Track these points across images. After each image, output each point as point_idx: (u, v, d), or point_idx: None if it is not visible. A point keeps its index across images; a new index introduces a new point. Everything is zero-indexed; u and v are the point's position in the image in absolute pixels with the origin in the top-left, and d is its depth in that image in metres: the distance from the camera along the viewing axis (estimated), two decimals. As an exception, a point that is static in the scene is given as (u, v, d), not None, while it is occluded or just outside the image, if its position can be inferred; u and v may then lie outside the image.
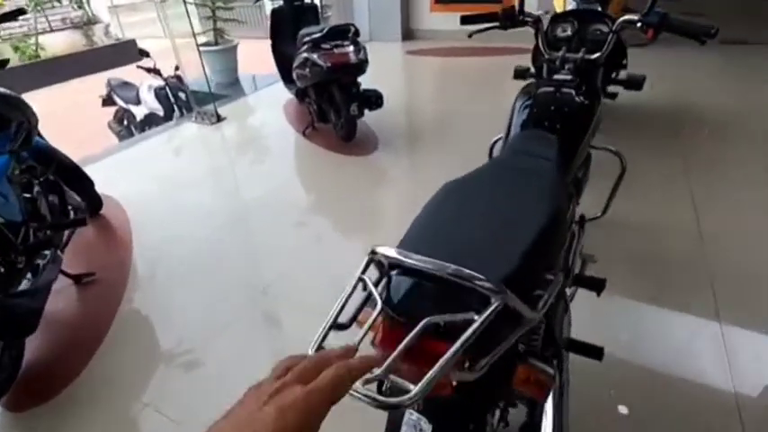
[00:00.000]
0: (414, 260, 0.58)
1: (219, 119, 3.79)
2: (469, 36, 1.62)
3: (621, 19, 1.30)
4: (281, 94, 4.16)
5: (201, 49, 4.04)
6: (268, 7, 5.11)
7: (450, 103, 3.96)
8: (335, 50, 2.74)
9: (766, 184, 2.33)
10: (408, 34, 6.20)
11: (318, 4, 3.85)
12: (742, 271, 1.78)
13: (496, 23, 1.47)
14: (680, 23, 1.18)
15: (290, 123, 3.82)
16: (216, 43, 5.34)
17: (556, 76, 1.34)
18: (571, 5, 2.12)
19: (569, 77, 1.32)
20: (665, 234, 2.02)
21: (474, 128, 3.18)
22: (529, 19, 1.43)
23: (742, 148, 2.73)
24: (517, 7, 1.42)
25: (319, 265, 2.05)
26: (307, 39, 2.92)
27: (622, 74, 2.44)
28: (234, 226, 2.44)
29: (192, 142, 3.64)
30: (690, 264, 1.85)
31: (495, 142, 1.67)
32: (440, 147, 3.13)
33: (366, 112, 3.06)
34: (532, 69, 1.80)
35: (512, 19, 1.43)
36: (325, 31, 2.76)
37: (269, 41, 3.79)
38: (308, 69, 2.93)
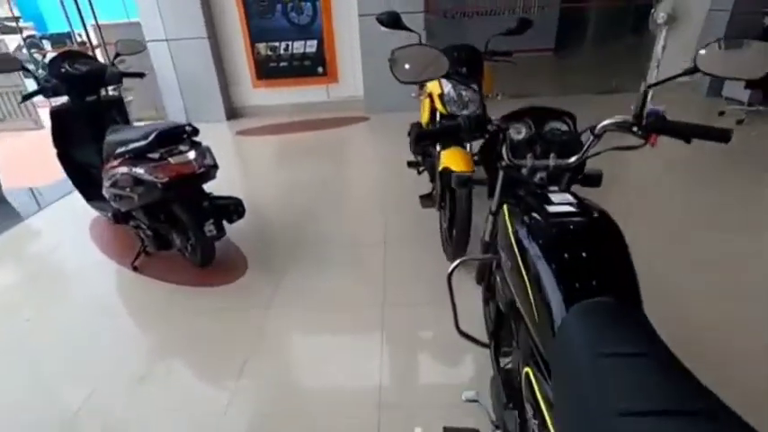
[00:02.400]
0: None
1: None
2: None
3: (607, 122, 1.07)
4: (84, 210, 3.01)
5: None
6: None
7: (312, 189, 3.49)
8: (171, 160, 2.00)
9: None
10: (233, 112, 5.59)
11: (121, 95, 2.94)
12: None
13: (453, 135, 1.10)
14: (688, 127, 0.99)
15: (104, 253, 2.75)
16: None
17: (553, 202, 0.98)
18: (447, 88, 1.93)
19: (570, 202, 0.98)
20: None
21: (353, 221, 2.83)
22: (495, 127, 1.10)
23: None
24: (483, 114, 1.08)
25: None
26: (123, 150, 2.09)
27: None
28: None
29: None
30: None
31: (452, 271, 1.27)
32: (324, 251, 2.59)
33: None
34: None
35: (480, 129, 1.08)
36: (151, 139, 1.98)
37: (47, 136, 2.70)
38: (131, 189, 2.08)
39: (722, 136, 0.96)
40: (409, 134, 3.21)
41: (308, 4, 4.94)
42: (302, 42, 5.16)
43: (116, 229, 2.89)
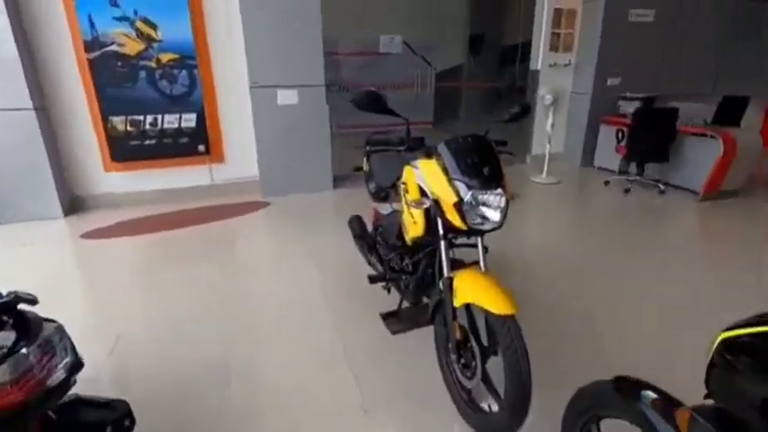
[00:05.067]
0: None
1: None
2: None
3: None
4: None
5: None
6: None
7: (209, 320, 2.38)
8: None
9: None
10: (76, 204, 4.14)
11: None
12: None
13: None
14: None
15: None
16: None
17: None
18: (466, 194, 1.37)
19: None
20: None
21: (296, 370, 1.93)
22: None
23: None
24: None
25: None
26: None
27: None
28: None
29: None
30: None
31: None
32: None
33: None
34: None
35: None
36: None
37: None
38: None
39: None
40: (357, 238, 2.53)
41: (183, 72, 4.06)
42: (176, 116, 4.17)
43: None
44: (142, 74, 3.95)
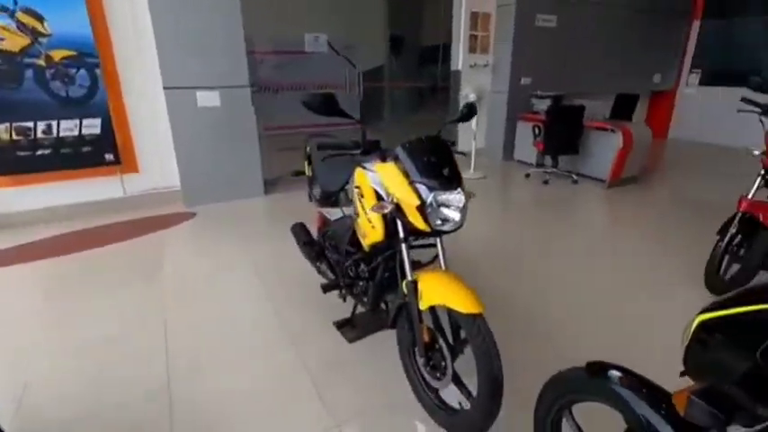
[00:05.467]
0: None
1: None
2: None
3: None
4: None
5: None
6: None
7: (137, 367, 2.14)
8: None
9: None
10: (-53, 230, 3.45)
11: None
12: None
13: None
14: None
15: None
16: None
17: None
18: (428, 195, 1.38)
19: None
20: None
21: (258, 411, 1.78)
22: None
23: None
24: None
25: None
26: None
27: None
28: None
29: None
30: None
31: None
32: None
33: None
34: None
35: None
36: None
37: None
38: None
39: None
40: (304, 245, 2.41)
41: (83, 72, 3.57)
42: (75, 122, 3.66)
43: None
44: (29, 73, 3.40)
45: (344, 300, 2.14)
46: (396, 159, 1.46)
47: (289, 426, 1.63)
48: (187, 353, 2.04)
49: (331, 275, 2.18)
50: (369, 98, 9.28)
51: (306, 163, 2.39)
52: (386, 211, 1.44)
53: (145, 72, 3.82)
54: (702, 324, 0.74)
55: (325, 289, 2.02)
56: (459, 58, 5.73)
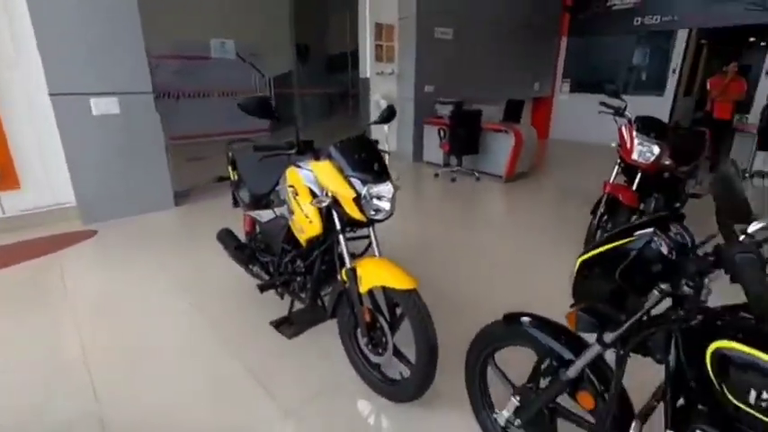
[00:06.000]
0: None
1: None
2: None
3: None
4: None
5: None
6: None
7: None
8: None
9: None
10: None
11: None
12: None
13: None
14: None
15: None
16: None
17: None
18: (362, 189, 1.57)
19: None
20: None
21: None
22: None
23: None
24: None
25: None
26: None
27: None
28: None
29: None
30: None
31: None
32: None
33: None
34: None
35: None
36: None
37: None
38: None
39: None
40: (233, 250, 2.39)
41: (-58, 75, 3.08)
42: (-66, 133, 3.14)
43: None
44: None
45: (282, 297, 2.19)
46: (329, 157, 1.59)
47: (240, 423, 1.65)
48: (112, 374, 1.93)
49: (265, 276, 2.22)
50: (279, 105, 9.19)
51: (230, 168, 2.39)
52: (324, 204, 1.56)
53: (24, 76, 3.41)
54: (583, 262, 1.00)
55: (262, 289, 2.05)
56: (368, 66, 6.00)
